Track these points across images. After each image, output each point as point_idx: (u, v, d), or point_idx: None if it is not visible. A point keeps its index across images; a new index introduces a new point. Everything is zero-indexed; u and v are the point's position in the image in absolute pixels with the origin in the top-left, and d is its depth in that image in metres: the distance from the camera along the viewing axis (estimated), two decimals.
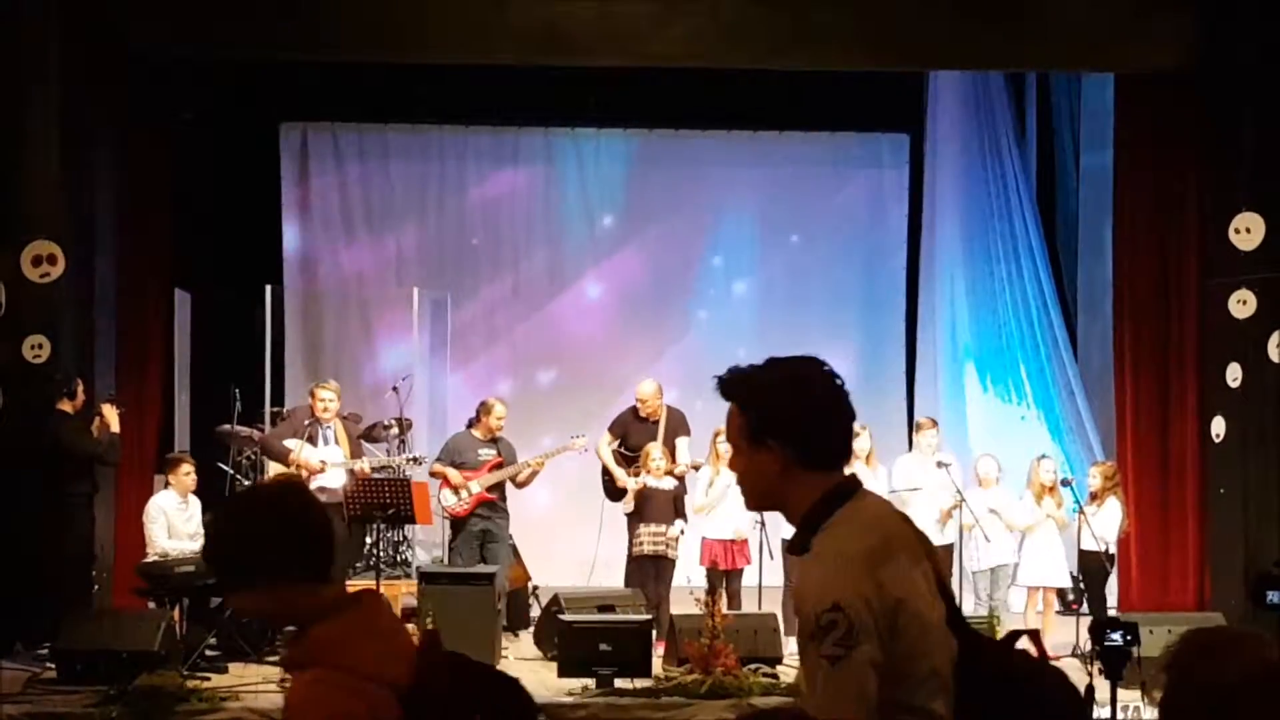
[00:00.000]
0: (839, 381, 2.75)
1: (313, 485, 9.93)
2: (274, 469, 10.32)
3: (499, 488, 10.25)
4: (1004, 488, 10.20)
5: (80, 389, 9.60)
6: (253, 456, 11.49)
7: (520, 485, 10.37)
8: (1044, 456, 10.44)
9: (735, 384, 2.75)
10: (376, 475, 10.33)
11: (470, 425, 10.52)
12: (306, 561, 2.59)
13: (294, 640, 2.60)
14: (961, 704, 2.62)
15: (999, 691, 2.64)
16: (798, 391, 2.70)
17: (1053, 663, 2.81)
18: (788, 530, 10.15)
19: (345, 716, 2.45)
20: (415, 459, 10.96)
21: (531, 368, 13.70)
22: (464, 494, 10.15)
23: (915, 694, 2.58)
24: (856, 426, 10.57)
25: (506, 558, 10.28)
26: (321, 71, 12.17)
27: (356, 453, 10.27)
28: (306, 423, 10.13)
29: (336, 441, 10.15)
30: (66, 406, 9.51)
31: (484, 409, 10.38)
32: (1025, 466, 10.31)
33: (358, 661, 2.51)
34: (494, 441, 10.31)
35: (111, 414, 9.63)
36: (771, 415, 2.69)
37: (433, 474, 10.44)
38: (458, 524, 10.26)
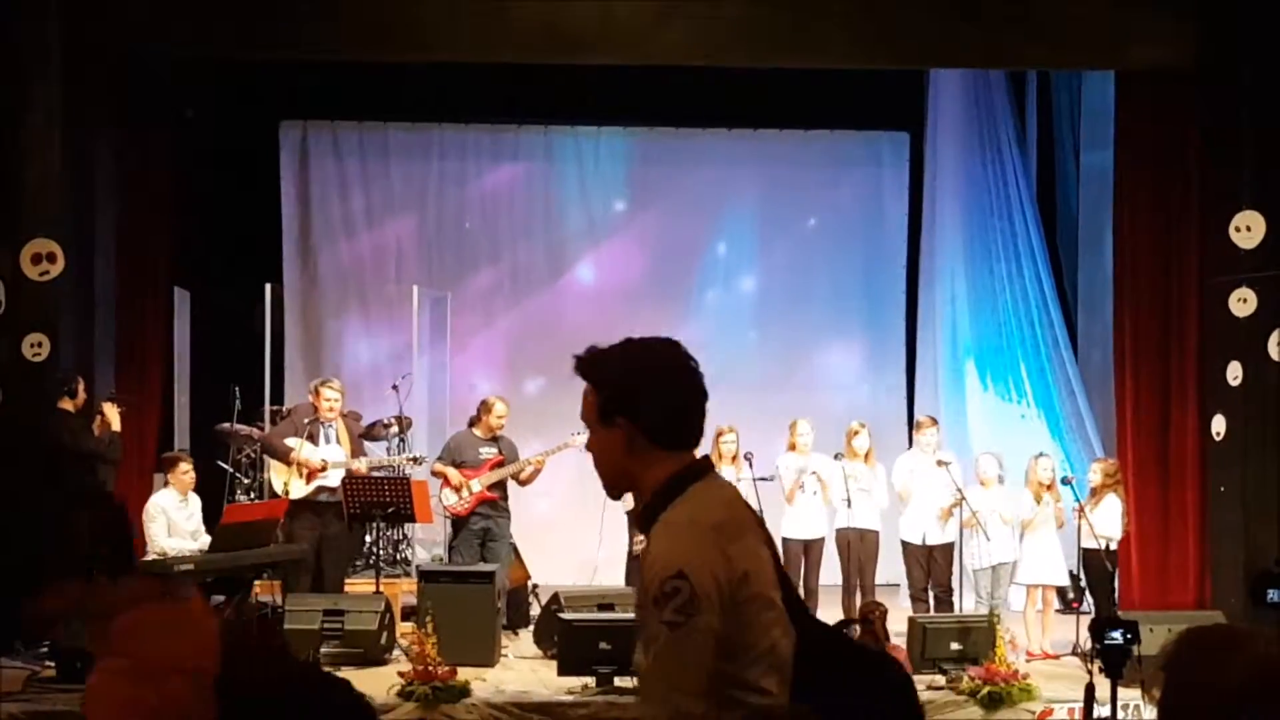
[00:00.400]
0: (693, 363, 2.81)
1: (314, 484, 9.94)
2: (275, 467, 10.32)
3: (500, 486, 10.25)
4: (1005, 486, 10.19)
5: (81, 388, 9.60)
6: (252, 455, 11.49)
7: (523, 483, 10.36)
8: (1041, 454, 10.44)
9: (588, 364, 2.82)
10: (376, 474, 10.33)
11: (471, 424, 10.52)
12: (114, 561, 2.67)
13: (100, 633, 2.61)
14: (799, 688, 2.62)
15: (835, 677, 2.64)
16: (648, 370, 2.77)
17: (890, 649, 2.84)
18: (788, 529, 10.17)
19: (133, 703, 2.45)
20: (415, 458, 10.96)
21: (531, 366, 13.68)
22: (464, 493, 10.15)
23: (750, 669, 2.59)
24: (855, 424, 10.56)
25: (507, 557, 10.28)
26: (321, 70, 12.17)
27: (358, 451, 10.28)
28: (307, 421, 10.13)
29: (338, 440, 10.15)
30: (68, 405, 9.51)
31: (484, 408, 10.38)
32: (1025, 465, 10.31)
33: (153, 651, 2.50)
34: (495, 440, 10.31)
35: (113, 413, 9.63)
36: (621, 393, 2.74)
37: (434, 473, 10.44)
38: (458, 523, 10.26)
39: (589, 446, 2.86)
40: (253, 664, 2.60)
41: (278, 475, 10.19)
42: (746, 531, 2.68)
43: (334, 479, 9.98)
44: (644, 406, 2.72)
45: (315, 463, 9.94)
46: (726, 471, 10.02)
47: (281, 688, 2.46)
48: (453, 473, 10.18)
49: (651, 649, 2.58)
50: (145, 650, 2.53)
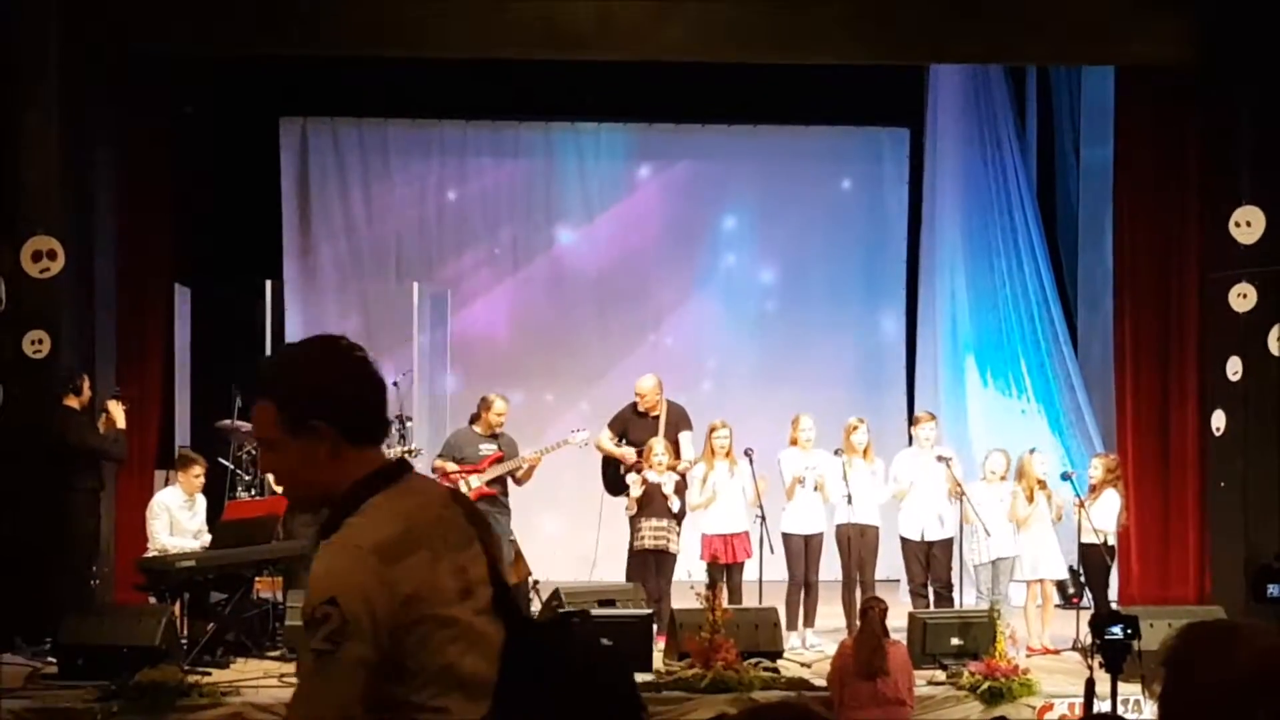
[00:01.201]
0: (361, 353, 2.71)
1: None
2: None
3: (499, 483, 10.26)
4: (1009, 484, 10.19)
5: (86, 385, 9.60)
6: (253, 451, 11.49)
7: (520, 482, 10.37)
8: (1034, 450, 10.44)
9: (268, 378, 2.67)
10: None
11: (472, 421, 10.53)
12: None
13: None
14: (508, 689, 2.56)
15: (548, 674, 2.57)
16: (332, 366, 2.66)
17: (604, 642, 2.73)
18: (788, 524, 10.18)
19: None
20: (410, 451, 10.97)
21: (531, 363, 13.69)
22: (464, 489, 10.16)
23: (421, 691, 2.52)
24: (854, 420, 10.53)
25: (507, 552, 10.28)
26: (321, 66, 12.15)
27: None
28: None
29: None
30: (73, 402, 9.51)
31: (484, 405, 10.39)
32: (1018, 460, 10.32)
33: None
34: (494, 437, 10.32)
35: (118, 410, 9.64)
36: (312, 396, 2.61)
37: (434, 469, 10.45)
38: None
39: (266, 466, 2.74)
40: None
41: None
42: (420, 545, 2.55)
43: None
44: (339, 404, 2.61)
45: None
46: (720, 467, 10.05)
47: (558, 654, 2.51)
48: (452, 469, 10.20)
49: (300, 674, 2.54)
50: None
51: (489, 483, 10.19)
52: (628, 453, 10.26)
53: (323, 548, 2.56)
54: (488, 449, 10.28)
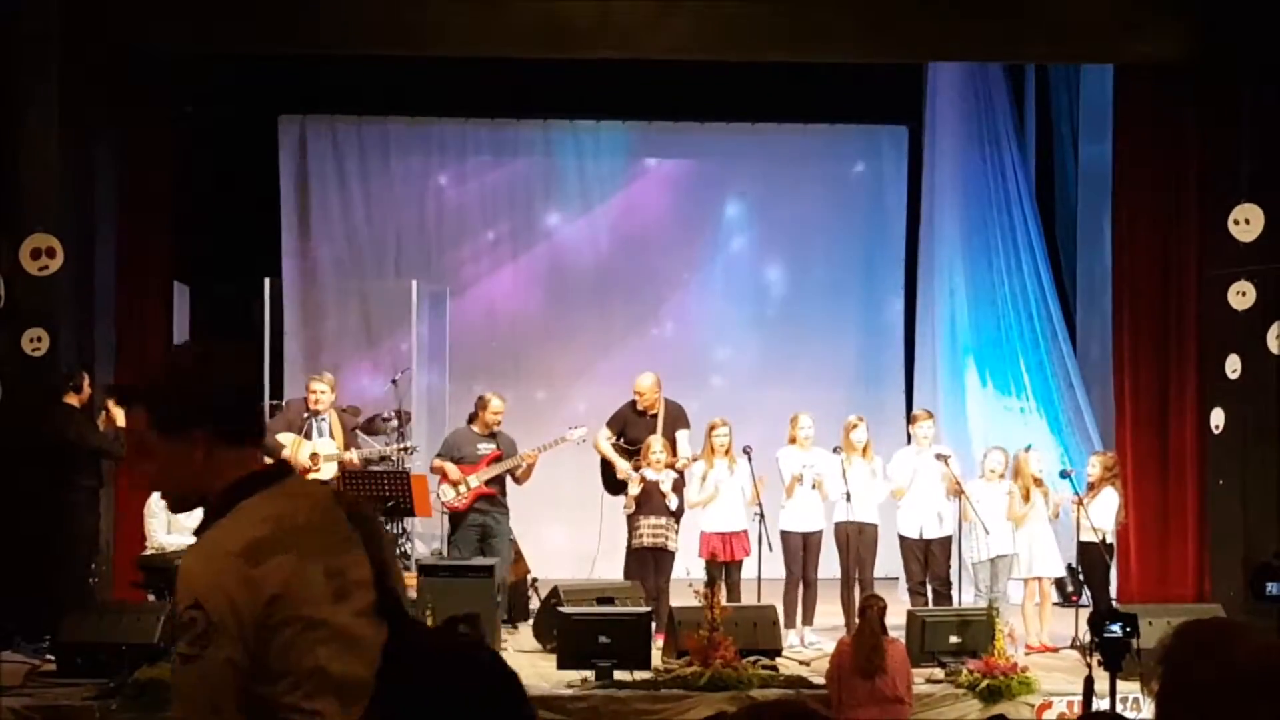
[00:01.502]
0: (233, 355, 2.74)
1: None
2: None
3: (498, 482, 10.27)
4: (1008, 482, 10.19)
5: (86, 383, 9.60)
6: None
7: (519, 480, 10.38)
8: (1029, 448, 10.44)
9: (139, 385, 2.70)
10: (375, 468, 10.35)
11: (470, 420, 10.54)
12: None
13: None
14: (385, 694, 2.53)
15: (429, 678, 2.54)
16: (202, 370, 2.67)
17: (494, 650, 2.70)
18: (787, 522, 10.17)
19: None
20: (405, 449, 10.98)
21: (530, 361, 13.70)
22: (462, 489, 10.17)
23: (292, 693, 2.51)
24: (853, 418, 10.49)
25: (506, 552, 10.29)
26: (320, 65, 12.15)
27: (350, 445, 10.27)
28: (305, 415, 10.15)
29: (330, 434, 10.17)
30: (73, 400, 9.51)
31: (481, 404, 10.40)
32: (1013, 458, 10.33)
33: None
34: (492, 436, 10.32)
35: (118, 409, 9.63)
36: (183, 400, 2.63)
37: (433, 469, 10.46)
38: (457, 518, 10.28)
39: (143, 470, 2.73)
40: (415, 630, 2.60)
41: None
42: (291, 546, 2.55)
43: (327, 472, 10.01)
44: (209, 407, 2.63)
45: (304, 461, 9.97)
46: (719, 465, 10.06)
47: (437, 655, 2.47)
48: (451, 468, 10.21)
49: (172, 680, 2.54)
50: None
51: (487, 482, 10.19)
52: (623, 466, 10.26)
53: (189, 550, 2.58)
54: (486, 448, 10.28)
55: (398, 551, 11.33)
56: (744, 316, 13.96)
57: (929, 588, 10.17)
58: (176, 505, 2.74)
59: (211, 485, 2.63)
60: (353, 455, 10.11)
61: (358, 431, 11.17)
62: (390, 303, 13.40)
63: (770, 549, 9.92)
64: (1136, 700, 7.36)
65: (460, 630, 2.58)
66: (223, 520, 2.58)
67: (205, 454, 2.62)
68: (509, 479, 10.33)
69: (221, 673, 2.45)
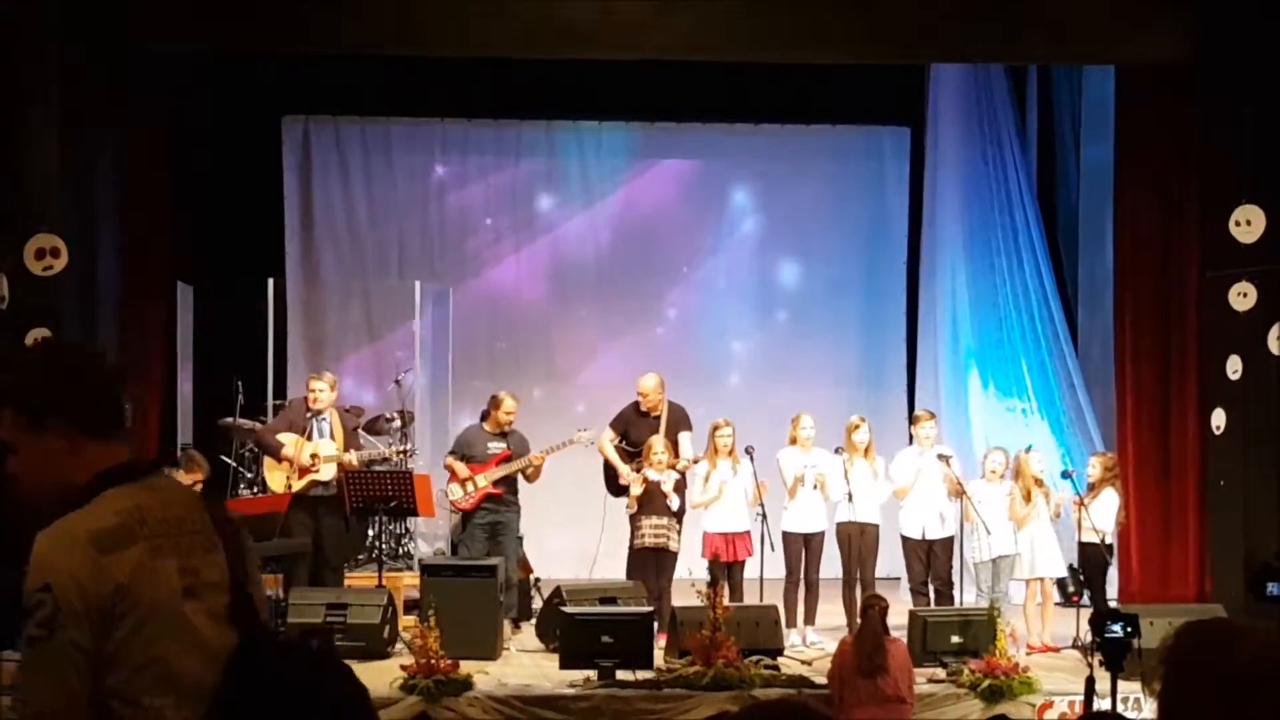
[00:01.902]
0: (91, 352, 2.83)
1: (306, 479, 9.99)
2: (267, 464, 10.35)
3: (507, 481, 10.28)
4: (1009, 482, 10.20)
5: None
6: (255, 449, 11.51)
7: (529, 479, 10.39)
8: (1030, 448, 10.45)
9: (3, 384, 2.74)
10: (378, 468, 10.36)
11: (483, 418, 10.56)
12: None
13: None
14: (225, 700, 2.48)
15: (274, 688, 2.48)
16: (61, 366, 2.75)
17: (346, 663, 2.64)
18: (788, 522, 10.19)
19: None
20: (404, 451, 10.97)
21: (533, 361, 13.71)
22: (470, 487, 10.19)
23: (132, 684, 2.56)
24: (855, 418, 10.51)
25: (514, 551, 10.31)
26: (323, 65, 12.17)
27: (351, 444, 10.27)
28: (308, 415, 10.16)
29: (331, 434, 10.18)
30: None
31: (493, 403, 10.42)
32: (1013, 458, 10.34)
33: None
34: (504, 435, 10.34)
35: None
36: (45, 396, 2.69)
37: (445, 466, 10.50)
38: (465, 517, 10.33)
39: (15, 468, 2.76)
40: (264, 644, 2.62)
41: (270, 473, 10.24)
42: (138, 540, 2.60)
43: (326, 473, 10.02)
44: (70, 402, 2.69)
45: (304, 461, 9.97)
46: (723, 465, 10.07)
47: (285, 666, 2.45)
48: (459, 466, 10.24)
49: (21, 664, 2.58)
50: None
51: (495, 482, 10.20)
52: (624, 469, 10.27)
53: (39, 536, 2.61)
54: (496, 447, 10.29)
55: (400, 551, 11.40)
56: (746, 317, 13.97)
57: (931, 588, 10.18)
58: (46, 503, 2.73)
59: (76, 478, 2.69)
60: (351, 456, 10.11)
61: (360, 432, 11.18)
62: (393, 303, 13.41)
63: (773, 549, 9.94)
64: (1138, 700, 7.37)
65: (312, 643, 2.59)
66: (80, 509, 2.63)
67: (69, 447, 2.69)
68: (520, 477, 10.35)
69: (69, 655, 2.50)
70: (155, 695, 2.57)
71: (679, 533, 10.14)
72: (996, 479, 10.15)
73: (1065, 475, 10.31)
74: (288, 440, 10.09)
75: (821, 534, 10.21)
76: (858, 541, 10.10)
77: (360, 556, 11.18)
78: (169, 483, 2.83)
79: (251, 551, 2.84)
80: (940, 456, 10.19)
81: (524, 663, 9.28)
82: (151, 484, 2.74)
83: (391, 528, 11.28)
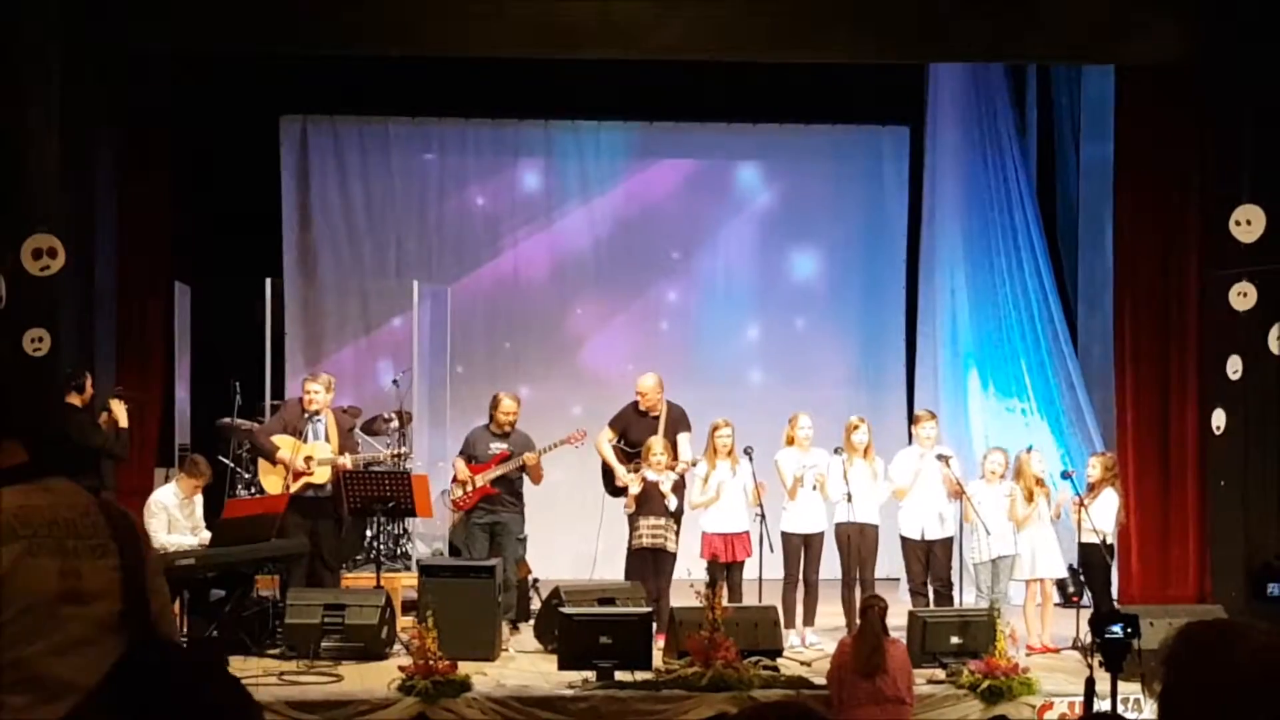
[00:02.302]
0: None
1: (301, 481, 9.98)
2: (263, 468, 10.34)
3: (505, 482, 10.27)
4: (1009, 483, 10.19)
5: (89, 382, 9.60)
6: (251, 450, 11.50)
7: (534, 481, 10.39)
8: (1031, 448, 10.44)
9: None
10: (374, 469, 10.35)
11: (489, 419, 10.58)
12: None
13: None
14: (95, 705, 2.43)
15: (153, 696, 2.41)
16: None
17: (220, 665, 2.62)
18: (788, 523, 10.19)
19: None
20: (400, 455, 10.95)
21: (532, 361, 13.70)
22: (468, 487, 10.21)
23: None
24: (855, 419, 10.52)
25: (513, 552, 10.30)
26: (322, 64, 12.16)
27: (346, 445, 10.26)
28: (304, 416, 10.15)
29: (326, 436, 10.17)
30: (75, 400, 9.50)
31: (493, 403, 10.44)
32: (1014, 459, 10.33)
33: None
34: (505, 436, 10.34)
35: (120, 409, 9.64)
36: None
37: (453, 467, 10.52)
38: (466, 518, 10.33)
39: None
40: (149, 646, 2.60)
41: (265, 476, 10.23)
42: (17, 538, 2.62)
43: (321, 476, 10.00)
44: None
45: (298, 465, 9.96)
46: (722, 466, 10.06)
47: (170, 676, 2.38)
48: (460, 467, 10.26)
49: None
50: None
51: (493, 482, 10.20)
52: (621, 471, 10.27)
53: None
54: (496, 448, 10.30)
55: (398, 552, 11.38)
56: (745, 317, 13.96)
57: (930, 588, 10.17)
58: None
59: None
60: (345, 459, 10.08)
61: (358, 432, 11.16)
62: (391, 302, 13.41)
63: (772, 549, 9.93)
64: (1138, 701, 7.37)
65: (201, 654, 2.59)
66: None
67: None
68: (526, 478, 10.33)
69: None
70: (12, 693, 2.57)
71: (676, 533, 10.13)
72: (996, 479, 10.14)
73: (1065, 476, 10.30)
74: (283, 443, 10.08)
75: (821, 535, 10.20)
76: (857, 542, 10.09)
77: (358, 557, 11.16)
78: (64, 486, 2.80)
79: (154, 560, 2.82)
80: (940, 457, 10.18)
81: (522, 664, 9.27)
82: (46, 485, 2.73)
83: (389, 528, 11.26)
